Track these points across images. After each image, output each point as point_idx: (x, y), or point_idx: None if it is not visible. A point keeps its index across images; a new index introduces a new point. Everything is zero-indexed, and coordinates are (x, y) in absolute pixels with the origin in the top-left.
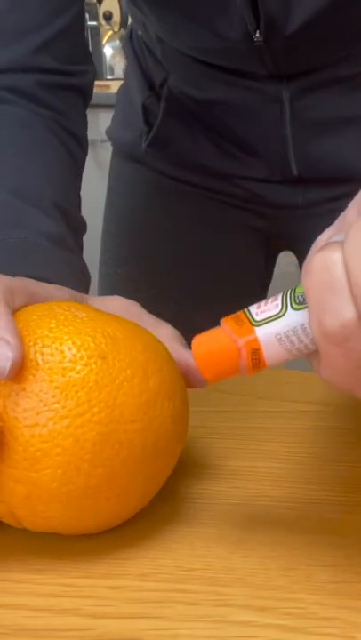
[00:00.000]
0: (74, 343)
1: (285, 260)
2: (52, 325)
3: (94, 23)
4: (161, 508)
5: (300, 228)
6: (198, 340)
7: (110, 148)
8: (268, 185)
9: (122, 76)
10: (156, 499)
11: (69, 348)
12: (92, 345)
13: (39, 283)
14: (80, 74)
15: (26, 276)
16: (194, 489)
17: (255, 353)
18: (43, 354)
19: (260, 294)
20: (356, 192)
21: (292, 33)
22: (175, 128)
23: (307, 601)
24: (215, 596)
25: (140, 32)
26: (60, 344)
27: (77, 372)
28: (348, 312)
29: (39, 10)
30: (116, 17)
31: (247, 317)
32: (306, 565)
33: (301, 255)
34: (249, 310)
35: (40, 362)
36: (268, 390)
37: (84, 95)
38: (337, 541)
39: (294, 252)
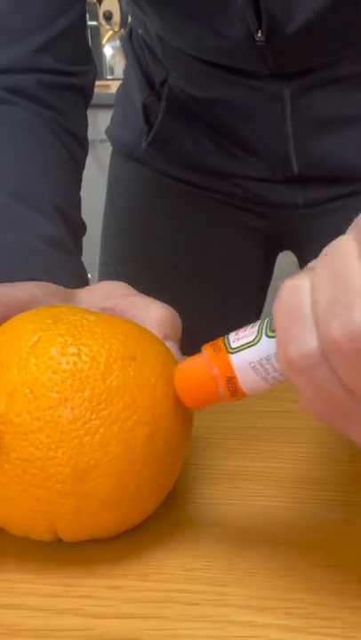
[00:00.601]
0: (102, 348)
1: (285, 260)
2: (75, 332)
3: (94, 23)
4: (161, 509)
5: (300, 227)
6: (179, 367)
7: (110, 148)
8: (269, 184)
9: (122, 76)
10: None
11: (100, 354)
12: (120, 347)
13: (13, 284)
14: (81, 74)
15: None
16: (194, 489)
17: (231, 381)
18: (75, 363)
19: (259, 294)
20: (356, 192)
21: (293, 32)
22: (175, 127)
23: (307, 601)
24: (215, 595)
25: (140, 31)
26: (90, 350)
27: (116, 377)
28: (311, 342)
29: (41, 10)
30: (116, 17)
31: (225, 344)
32: (306, 565)
33: (301, 255)
34: (228, 337)
35: (75, 371)
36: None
37: (84, 95)
38: (337, 541)
39: (294, 251)
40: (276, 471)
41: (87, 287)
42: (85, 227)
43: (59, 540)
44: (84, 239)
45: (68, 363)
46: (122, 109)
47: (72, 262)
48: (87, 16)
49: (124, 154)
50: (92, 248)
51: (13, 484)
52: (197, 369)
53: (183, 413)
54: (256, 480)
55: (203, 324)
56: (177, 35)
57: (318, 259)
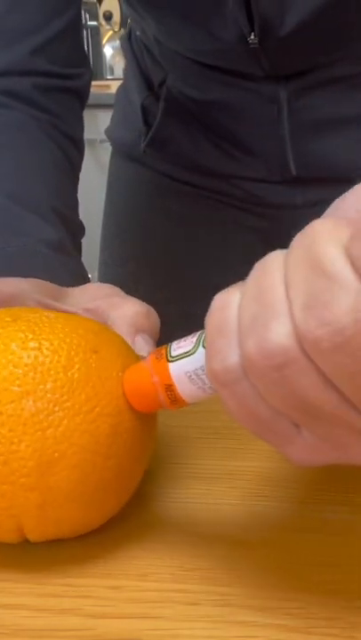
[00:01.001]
0: (63, 342)
1: None
2: (35, 328)
3: (94, 23)
4: (161, 509)
5: (299, 228)
6: (128, 370)
7: (110, 148)
8: (267, 185)
9: (122, 76)
10: (157, 499)
11: (61, 347)
12: (82, 341)
13: (2, 278)
14: (76, 76)
15: None
16: (193, 489)
17: (169, 389)
18: (36, 356)
19: None
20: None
21: (286, 34)
22: (174, 128)
23: (307, 601)
24: (215, 595)
25: (138, 33)
26: (51, 344)
27: (78, 370)
28: (233, 356)
29: (35, 13)
30: (116, 17)
31: (166, 352)
32: (306, 565)
33: None
34: (171, 345)
35: (36, 364)
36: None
37: (80, 98)
38: (337, 541)
39: None
40: (275, 471)
41: (78, 287)
42: (84, 228)
43: (25, 542)
44: (84, 239)
45: (29, 357)
46: (121, 110)
47: (72, 264)
48: (87, 16)
49: (123, 154)
50: (91, 248)
51: None
52: (141, 374)
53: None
54: (256, 480)
55: (201, 325)
56: (172, 37)
57: (251, 272)
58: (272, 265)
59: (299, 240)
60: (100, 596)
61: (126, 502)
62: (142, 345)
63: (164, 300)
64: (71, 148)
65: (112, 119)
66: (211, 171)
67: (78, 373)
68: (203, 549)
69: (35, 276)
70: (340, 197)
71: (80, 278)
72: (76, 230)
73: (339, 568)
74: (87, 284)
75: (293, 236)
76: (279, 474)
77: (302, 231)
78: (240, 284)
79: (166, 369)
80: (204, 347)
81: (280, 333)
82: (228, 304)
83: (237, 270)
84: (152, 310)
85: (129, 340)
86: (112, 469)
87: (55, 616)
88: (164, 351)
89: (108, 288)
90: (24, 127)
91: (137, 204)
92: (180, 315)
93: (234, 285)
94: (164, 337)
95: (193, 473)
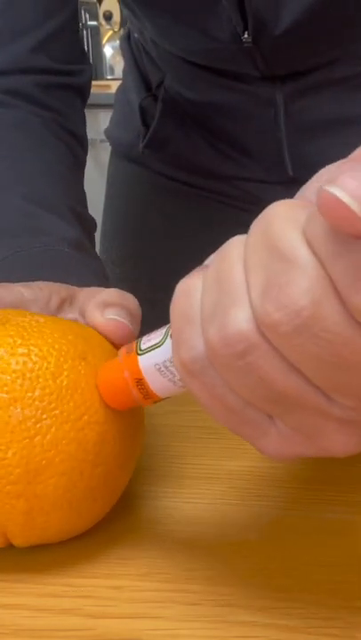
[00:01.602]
0: (52, 348)
1: None
2: (24, 333)
3: (94, 23)
4: (161, 508)
5: None
6: (101, 369)
7: (110, 148)
8: (265, 186)
9: (122, 77)
10: (156, 499)
11: (50, 354)
12: (70, 348)
13: (5, 284)
14: (77, 73)
15: None
16: (193, 489)
17: (140, 383)
18: (25, 363)
19: None
20: None
21: (281, 33)
22: (172, 129)
23: (307, 601)
24: (215, 595)
25: (136, 35)
26: (40, 350)
27: (67, 377)
28: (199, 345)
29: (32, 11)
30: (116, 17)
31: (136, 346)
32: (306, 565)
33: None
34: (141, 338)
35: (25, 371)
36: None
37: (81, 94)
38: (337, 541)
39: None
40: (275, 471)
41: (88, 288)
42: (95, 223)
43: (10, 547)
44: None
45: (17, 363)
46: (120, 110)
47: (95, 263)
48: (87, 16)
49: (122, 154)
50: None
51: None
52: (113, 371)
53: (134, 414)
54: (256, 480)
55: None
56: (167, 37)
57: (212, 257)
58: (232, 250)
59: (256, 224)
60: (100, 595)
61: (112, 507)
62: (112, 314)
63: (164, 300)
64: (75, 145)
65: (111, 119)
66: (209, 171)
67: (67, 380)
68: (203, 549)
69: (59, 277)
70: (311, 179)
71: (102, 278)
72: (90, 226)
73: (339, 568)
74: (93, 288)
75: None
76: (279, 474)
77: (260, 215)
78: (202, 268)
79: (136, 362)
80: (171, 337)
81: (240, 319)
82: (191, 290)
83: None
84: (129, 295)
85: (97, 314)
86: (99, 477)
87: (55, 616)
88: (134, 345)
89: (115, 291)
90: (28, 126)
91: (136, 205)
92: None
93: (196, 270)
94: None
95: (192, 473)
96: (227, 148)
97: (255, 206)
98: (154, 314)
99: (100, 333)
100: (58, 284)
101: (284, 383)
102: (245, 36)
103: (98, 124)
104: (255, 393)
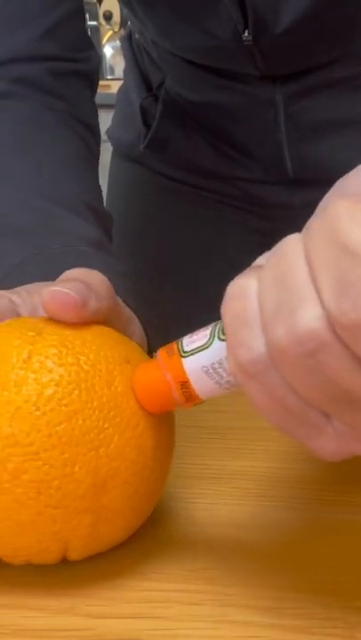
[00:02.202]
0: (98, 354)
1: None
2: (66, 342)
3: (94, 23)
4: (161, 509)
5: (298, 228)
6: (137, 370)
7: (111, 148)
8: (265, 186)
9: (122, 76)
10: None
11: (99, 361)
12: (114, 352)
13: None
14: (86, 60)
15: None
16: (194, 489)
17: (185, 386)
18: (77, 372)
19: None
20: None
21: (281, 32)
22: (172, 129)
23: (307, 601)
24: (216, 595)
25: (136, 35)
26: (88, 358)
27: (120, 382)
28: (259, 347)
29: None
30: (116, 17)
31: (178, 348)
32: (306, 565)
33: None
34: (182, 340)
35: (78, 381)
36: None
37: (91, 82)
38: (337, 541)
39: None
40: (275, 471)
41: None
42: (112, 218)
43: (43, 574)
44: None
45: (70, 373)
46: (121, 110)
47: (116, 263)
48: (87, 16)
49: (123, 154)
50: None
51: (26, 508)
52: (152, 374)
53: (170, 416)
54: (256, 480)
55: (201, 325)
56: (168, 36)
57: (267, 257)
58: (291, 248)
59: (318, 222)
60: (100, 595)
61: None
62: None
63: (164, 299)
64: (89, 137)
65: (113, 119)
66: (209, 171)
67: (121, 386)
68: (203, 549)
69: None
70: (344, 177)
71: (124, 278)
72: (107, 222)
73: (339, 568)
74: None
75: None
76: (279, 474)
77: (320, 213)
78: (251, 270)
79: (180, 365)
80: (220, 339)
81: (310, 318)
82: (245, 292)
83: (238, 270)
84: (94, 272)
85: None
86: (156, 480)
87: (55, 616)
88: (175, 347)
89: (76, 270)
90: (43, 118)
91: (136, 205)
92: (179, 314)
93: (246, 272)
94: (165, 336)
95: (193, 473)
96: (227, 149)
97: (255, 206)
98: (154, 313)
99: (45, 310)
100: (44, 285)
101: (351, 381)
102: (246, 34)
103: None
104: (320, 392)
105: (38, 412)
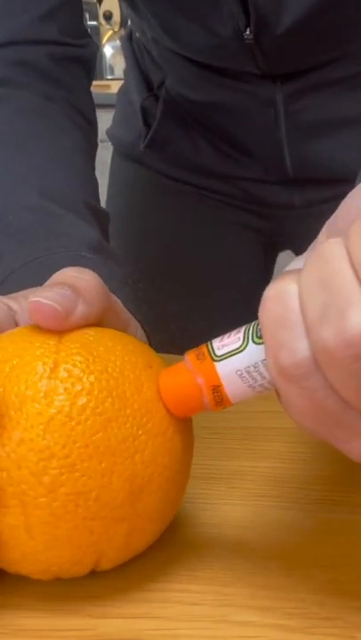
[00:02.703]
0: (123, 360)
1: (286, 259)
2: (90, 348)
3: (94, 23)
4: None
5: (299, 227)
6: (164, 374)
7: (111, 148)
8: (266, 185)
9: (122, 76)
10: None
11: (125, 367)
12: (138, 357)
13: None
14: (84, 46)
15: None
16: (194, 489)
17: (216, 390)
18: (107, 380)
19: (259, 294)
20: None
21: (283, 31)
22: (173, 129)
23: (307, 601)
24: (216, 595)
25: (137, 34)
26: (114, 364)
27: (148, 388)
28: (303, 350)
29: None
30: (116, 17)
31: (209, 351)
32: (306, 565)
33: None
34: (212, 343)
35: (109, 389)
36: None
37: (88, 70)
38: (337, 541)
39: (294, 251)
40: (276, 471)
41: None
42: (109, 215)
43: (92, 573)
44: None
45: (99, 381)
46: (122, 110)
47: (116, 266)
48: (87, 16)
49: (123, 154)
50: None
51: (63, 522)
52: (181, 378)
53: (189, 419)
54: (256, 480)
55: (202, 325)
56: (169, 33)
57: (304, 261)
58: (333, 251)
59: (358, 224)
60: (100, 595)
61: None
62: (39, 296)
63: (164, 299)
64: (88, 128)
65: (113, 119)
66: (210, 171)
67: (149, 392)
68: (203, 549)
69: None
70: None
71: (123, 283)
72: (105, 221)
73: (339, 568)
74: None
75: (293, 236)
76: (280, 474)
77: (357, 218)
78: (288, 274)
79: (213, 369)
80: (255, 342)
81: (358, 320)
82: (285, 295)
83: (238, 270)
84: (86, 272)
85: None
86: (183, 484)
87: (55, 616)
88: (205, 350)
89: (68, 270)
90: (41, 110)
91: (137, 204)
92: (180, 314)
93: (283, 276)
94: (165, 336)
95: (193, 473)
96: (227, 148)
97: (255, 206)
98: (153, 314)
99: (31, 320)
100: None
101: None
102: (247, 32)
103: (98, 123)
104: None
105: (73, 423)
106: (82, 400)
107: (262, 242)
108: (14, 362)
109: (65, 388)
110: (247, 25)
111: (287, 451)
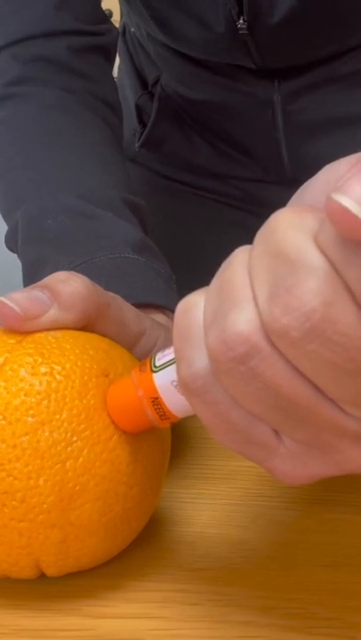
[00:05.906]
0: (75, 365)
1: None
2: (43, 350)
3: None
4: (161, 509)
5: None
6: (112, 386)
7: None
8: (264, 185)
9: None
10: None
11: (74, 372)
12: (93, 364)
13: None
14: (104, 33)
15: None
16: (194, 489)
17: (156, 402)
18: (49, 383)
19: None
20: None
21: (278, 21)
22: (168, 127)
23: (307, 601)
24: (216, 595)
25: (132, 29)
26: (63, 368)
27: (93, 396)
28: (199, 361)
29: None
30: (116, 15)
31: (150, 363)
32: (306, 565)
33: None
34: (155, 355)
35: (49, 392)
36: None
37: (109, 57)
38: (337, 541)
39: None
40: None
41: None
42: (145, 206)
43: (42, 577)
44: None
45: (41, 383)
46: None
47: (163, 267)
48: None
49: None
50: None
51: None
52: (124, 390)
53: (161, 429)
54: (256, 480)
55: None
56: (162, 26)
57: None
58: (236, 259)
59: (261, 232)
60: (100, 596)
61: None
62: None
63: None
64: (111, 115)
65: None
66: (207, 170)
67: (94, 400)
68: (203, 549)
69: (127, 286)
70: (311, 179)
71: (170, 281)
72: (143, 214)
73: (339, 568)
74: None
75: None
76: None
77: (265, 223)
78: (204, 288)
79: (151, 380)
80: None
81: (240, 321)
82: (189, 307)
83: None
84: (75, 276)
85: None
86: (134, 498)
87: (55, 616)
88: (147, 362)
89: (57, 274)
90: (65, 106)
91: None
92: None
93: (200, 289)
94: None
95: (193, 473)
96: (224, 147)
97: (254, 206)
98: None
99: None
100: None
101: (292, 390)
102: (241, 21)
103: None
104: (261, 403)
105: (4, 422)
106: (17, 400)
107: None
108: None
109: (5, 387)
110: (240, 13)
111: None
